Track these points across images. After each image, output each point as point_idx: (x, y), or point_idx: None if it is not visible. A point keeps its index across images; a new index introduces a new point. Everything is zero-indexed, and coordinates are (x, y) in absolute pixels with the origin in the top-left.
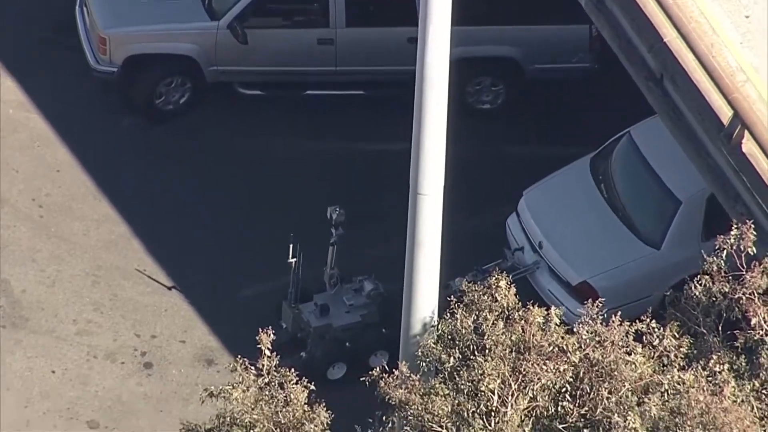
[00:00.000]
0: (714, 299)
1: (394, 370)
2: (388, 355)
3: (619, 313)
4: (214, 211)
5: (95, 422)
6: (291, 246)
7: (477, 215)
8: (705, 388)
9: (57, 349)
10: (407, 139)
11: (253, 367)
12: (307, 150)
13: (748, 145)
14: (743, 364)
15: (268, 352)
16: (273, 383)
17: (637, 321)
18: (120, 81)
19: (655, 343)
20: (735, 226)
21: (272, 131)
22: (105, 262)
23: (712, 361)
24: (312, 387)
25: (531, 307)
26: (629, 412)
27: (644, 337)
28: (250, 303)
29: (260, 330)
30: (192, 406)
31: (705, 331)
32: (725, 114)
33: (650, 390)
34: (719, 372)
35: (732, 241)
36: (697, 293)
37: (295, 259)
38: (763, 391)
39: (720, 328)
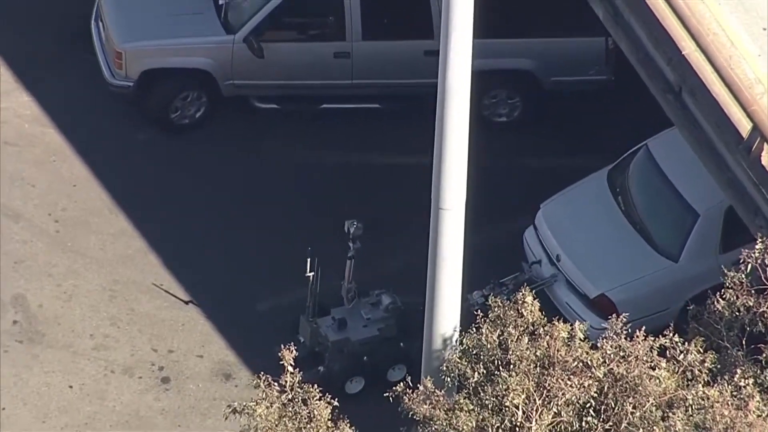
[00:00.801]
0: (737, 313)
1: (417, 385)
2: (406, 368)
3: (644, 327)
4: (230, 225)
5: None
6: (308, 260)
7: (494, 228)
8: (730, 403)
9: (74, 364)
10: (423, 152)
11: (276, 383)
12: (323, 163)
13: None
14: (767, 378)
15: (290, 368)
16: (296, 399)
17: (660, 336)
18: (136, 95)
19: (679, 358)
20: (760, 239)
21: (288, 145)
22: (122, 276)
23: (737, 375)
24: (335, 403)
25: (556, 323)
26: (654, 428)
27: (668, 352)
28: (268, 317)
29: (282, 346)
30: (210, 421)
31: (728, 345)
32: (744, 127)
33: (674, 405)
34: (744, 386)
35: (756, 254)
36: (720, 307)
37: (312, 273)
38: None
39: (744, 342)
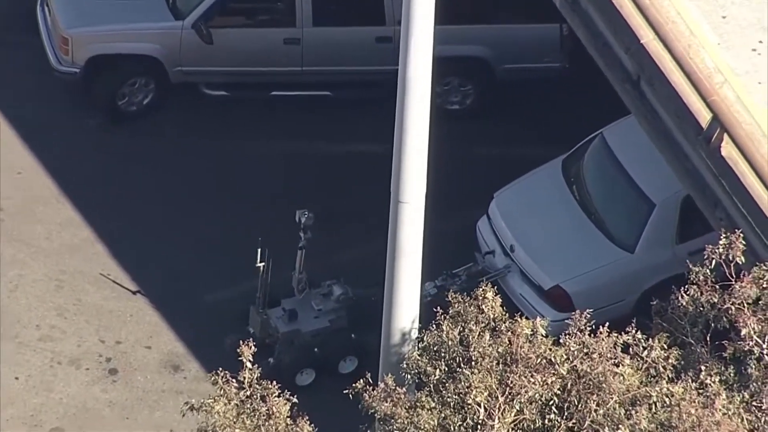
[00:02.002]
0: (701, 309)
1: (367, 377)
2: (357, 360)
3: (606, 324)
4: (179, 214)
5: (60, 429)
6: (259, 250)
7: (446, 218)
8: (696, 401)
9: (20, 356)
10: (374, 140)
11: (233, 380)
12: (273, 152)
13: (728, 149)
14: (731, 375)
15: (249, 364)
16: (255, 396)
17: (623, 332)
18: (83, 82)
19: (643, 355)
20: (724, 235)
21: (238, 133)
22: (68, 266)
23: (703, 372)
24: (294, 400)
25: (518, 319)
26: (619, 425)
27: (630, 348)
28: (217, 308)
29: (233, 337)
30: (159, 413)
31: (693, 341)
32: (704, 117)
33: (638, 402)
34: (710, 384)
35: (720, 250)
36: (684, 303)
37: (263, 264)
38: (754, 403)
39: (708, 339)
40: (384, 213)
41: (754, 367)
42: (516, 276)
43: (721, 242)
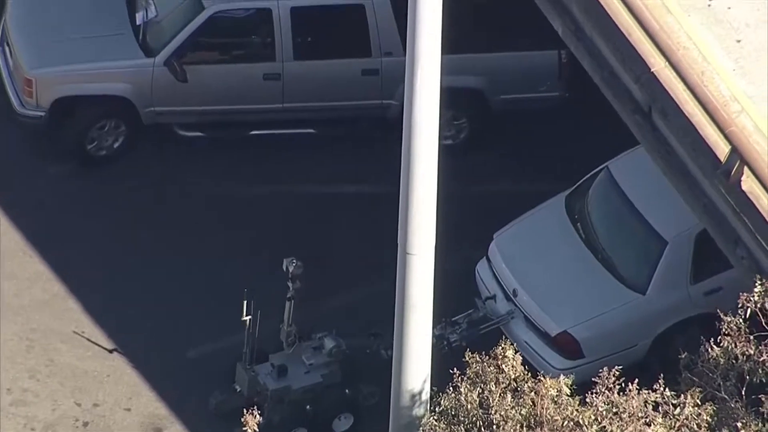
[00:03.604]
0: (734, 361)
1: None
2: (352, 418)
3: (636, 380)
4: (156, 266)
5: None
6: (245, 302)
7: (443, 261)
8: None
9: None
10: (362, 180)
11: None
12: (255, 195)
13: (748, 183)
14: None
15: None
16: None
17: (651, 390)
18: (48, 126)
19: (675, 413)
20: (759, 282)
21: (216, 176)
22: (39, 324)
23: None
24: None
25: (542, 378)
26: None
27: (659, 407)
28: (201, 365)
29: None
30: None
31: (726, 396)
32: (722, 149)
33: None
34: None
35: (756, 298)
36: (715, 354)
37: (249, 317)
38: None
39: (742, 393)
40: (377, 256)
41: None
42: (520, 322)
43: (756, 290)
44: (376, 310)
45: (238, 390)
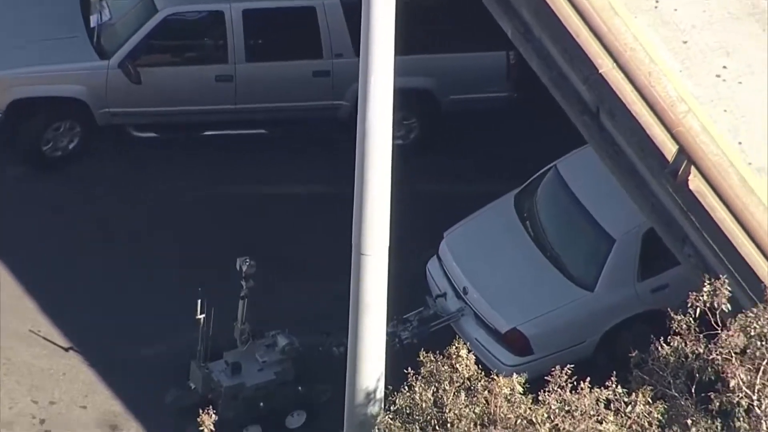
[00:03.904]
0: (684, 360)
1: None
2: (305, 414)
3: (588, 379)
4: (112, 265)
5: None
6: (199, 301)
7: (394, 260)
8: None
9: None
10: (315, 180)
11: None
12: (208, 195)
13: (696, 182)
14: (719, 428)
15: None
16: None
17: (603, 387)
18: (3, 128)
19: (626, 411)
20: (708, 282)
21: (170, 176)
22: None
23: (694, 430)
24: None
25: (495, 377)
26: None
27: (611, 404)
28: (155, 363)
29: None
30: None
31: (676, 394)
32: (669, 149)
33: None
34: None
35: (705, 297)
36: (666, 353)
37: (203, 315)
38: None
39: (692, 391)
40: (329, 255)
41: (742, 419)
42: (470, 320)
43: (705, 289)
44: (328, 308)
45: (193, 387)
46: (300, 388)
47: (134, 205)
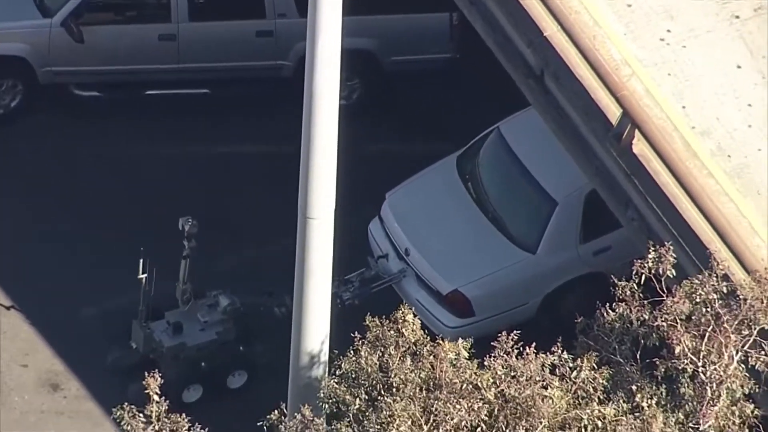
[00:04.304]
0: (629, 326)
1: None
2: (246, 375)
3: (533, 343)
4: (53, 223)
5: None
6: (141, 261)
7: (336, 220)
8: (632, 425)
9: None
10: (256, 140)
11: (140, 414)
12: (150, 155)
13: (639, 146)
14: (663, 394)
15: (156, 397)
16: (164, 430)
17: (548, 352)
18: None
19: (571, 376)
20: (653, 249)
21: (112, 136)
22: None
23: (638, 396)
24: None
25: (441, 342)
26: None
27: (557, 369)
28: (97, 322)
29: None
30: None
31: (621, 360)
32: (613, 113)
33: (568, 426)
34: (647, 407)
35: (650, 264)
36: (611, 319)
37: (145, 275)
38: (690, 424)
39: (637, 357)
40: (270, 216)
41: (687, 385)
42: (412, 281)
43: (650, 256)
44: (271, 268)
45: (134, 347)
46: (241, 348)
47: (76, 165)
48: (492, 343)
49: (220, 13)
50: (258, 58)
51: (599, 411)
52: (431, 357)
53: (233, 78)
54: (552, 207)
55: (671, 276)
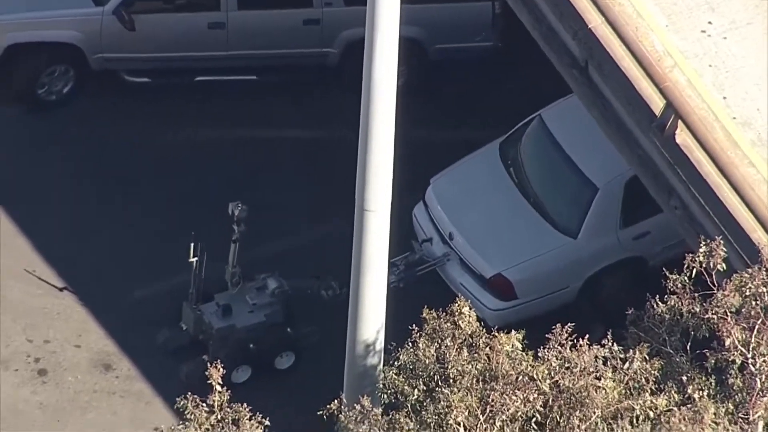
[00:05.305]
0: (679, 318)
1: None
2: (294, 356)
3: (587, 335)
4: (105, 207)
5: None
6: (192, 244)
7: None
8: (685, 416)
9: None
10: (302, 125)
11: (203, 404)
12: (200, 140)
13: (682, 136)
14: (713, 385)
15: (218, 387)
16: (226, 419)
17: (601, 345)
18: (1, 71)
19: (624, 368)
20: (704, 243)
21: (162, 121)
22: None
23: (690, 387)
24: (267, 423)
25: (497, 334)
26: None
27: (608, 361)
28: (148, 303)
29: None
30: (91, 415)
31: (671, 351)
32: (657, 103)
33: (620, 416)
34: (699, 398)
35: (701, 258)
36: (661, 311)
37: (196, 258)
38: (740, 414)
39: (687, 348)
40: (317, 200)
41: (736, 376)
42: (455, 264)
43: (701, 250)
44: (318, 252)
45: (184, 328)
46: (289, 330)
47: (128, 149)
48: (546, 336)
49: (267, 2)
50: (304, 45)
51: (651, 402)
52: (487, 349)
53: (280, 65)
54: (593, 193)
55: (722, 270)
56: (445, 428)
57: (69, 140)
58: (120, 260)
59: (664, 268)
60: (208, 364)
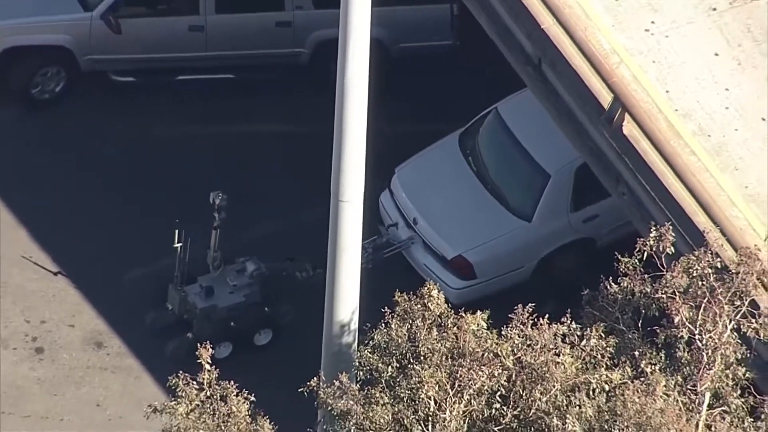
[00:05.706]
0: (631, 297)
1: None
2: (271, 333)
3: (547, 315)
4: (95, 198)
5: None
6: (176, 231)
7: None
8: (639, 389)
9: None
10: (277, 120)
11: (193, 381)
12: (181, 134)
13: (629, 127)
14: (663, 359)
15: (207, 366)
16: (215, 396)
17: (559, 322)
18: None
19: (581, 344)
20: (654, 228)
21: (147, 117)
22: None
23: (643, 362)
24: (253, 399)
25: (464, 314)
26: (567, 414)
27: (566, 338)
28: (136, 286)
29: (199, 345)
30: (85, 389)
31: (624, 328)
32: (605, 98)
33: (578, 389)
34: (650, 372)
35: (651, 242)
36: (614, 291)
37: (180, 244)
38: (688, 386)
39: (639, 326)
40: (289, 189)
41: (684, 351)
42: (419, 247)
43: (651, 235)
44: (293, 237)
45: (170, 308)
46: (267, 309)
47: (116, 143)
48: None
49: (243, 6)
50: (277, 46)
51: (607, 376)
52: (455, 328)
53: (255, 64)
54: (545, 179)
55: (671, 253)
56: (417, 402)
57: (61, 136)
58: (110, 246)
59: (615, 251)
60: (193, 342)
